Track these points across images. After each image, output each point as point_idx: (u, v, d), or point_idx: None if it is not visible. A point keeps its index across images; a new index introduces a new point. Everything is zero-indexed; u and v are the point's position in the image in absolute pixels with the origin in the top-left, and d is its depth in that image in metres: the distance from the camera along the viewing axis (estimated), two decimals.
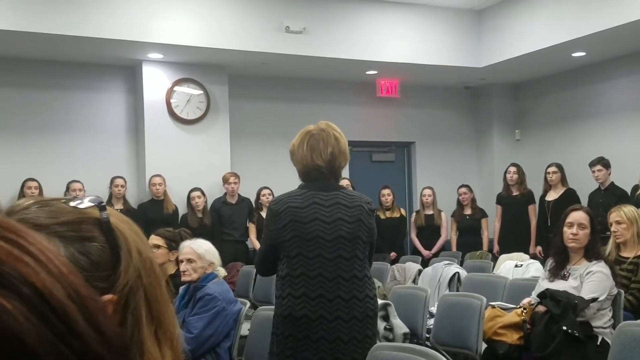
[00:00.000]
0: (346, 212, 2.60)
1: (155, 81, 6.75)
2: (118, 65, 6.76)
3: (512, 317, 3.39)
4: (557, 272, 3.47)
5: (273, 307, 2.71)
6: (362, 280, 2.59)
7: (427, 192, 7.23)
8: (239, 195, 6.84)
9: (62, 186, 6.30)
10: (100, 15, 5.83)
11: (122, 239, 0.90)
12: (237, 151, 7.24)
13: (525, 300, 3.46)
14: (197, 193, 6.64)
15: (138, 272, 0.72)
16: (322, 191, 2.61)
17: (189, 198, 6.64)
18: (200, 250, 3.26)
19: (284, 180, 7.05)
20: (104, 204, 0.98)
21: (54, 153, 6.59)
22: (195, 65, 6.82)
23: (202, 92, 6.92)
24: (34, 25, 5.58)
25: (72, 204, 0.98)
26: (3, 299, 0.32)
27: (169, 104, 6.78)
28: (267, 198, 6.69)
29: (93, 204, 0.96)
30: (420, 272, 5.30)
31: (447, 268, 4.99)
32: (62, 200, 1.00)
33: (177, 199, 6.66)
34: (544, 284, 3.48)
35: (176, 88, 6.83)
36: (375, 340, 2.65)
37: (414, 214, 7.40)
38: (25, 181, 6.19)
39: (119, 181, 6.56)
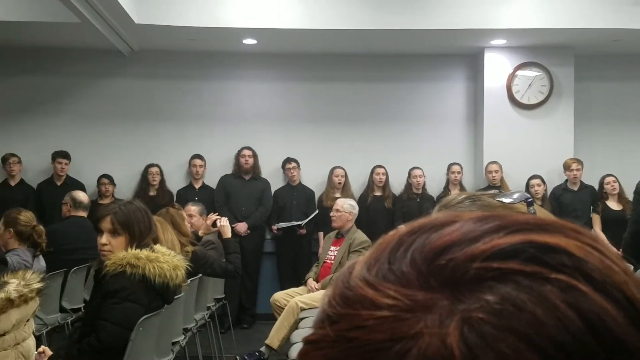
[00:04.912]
0: None
1: (497, 67, 6.67)
2: (460, 54, 6.85)
3: None
4: None
5: None
6: None
7: None
8: (581, 182, 6.45)
9: (405, 173, 6.67)
10: (445, 7, 5.97)
11: None
12: (580, 136, 6.78)
13: None
14: (537, 181, 6.44)
15: None
16: None
17: (527, 185, 6.46)
18: None
19: (637, 166, 6.39)
20: (531, 199, 0.99)
21: (398, 141, 6.94)
22: (539, 48, 6.54)
23: (543, 74, 6.63)
24: (382, 23, 5.94)
25: (498, 198, 1.02)
26: (605, 302, 0.33)
27: (509, 89, 6.65)
28: (612, 186, 6.26)
29: (520, 200, 0.98)
30: None
31: None
32: (489, 195, 1.05)
33: (515, 186, 6.52)
34: None
35: (518, 72, 6.66)
36: None
37: None
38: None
39: (456, 168, 6.68)
